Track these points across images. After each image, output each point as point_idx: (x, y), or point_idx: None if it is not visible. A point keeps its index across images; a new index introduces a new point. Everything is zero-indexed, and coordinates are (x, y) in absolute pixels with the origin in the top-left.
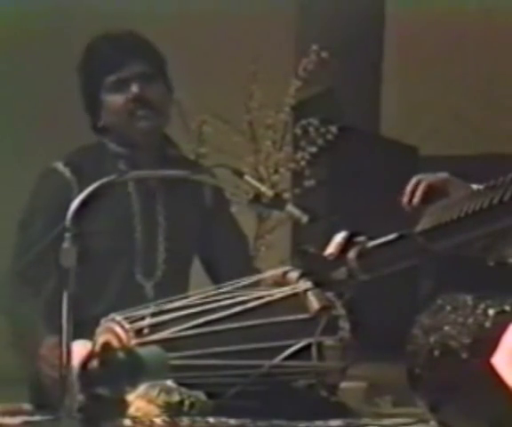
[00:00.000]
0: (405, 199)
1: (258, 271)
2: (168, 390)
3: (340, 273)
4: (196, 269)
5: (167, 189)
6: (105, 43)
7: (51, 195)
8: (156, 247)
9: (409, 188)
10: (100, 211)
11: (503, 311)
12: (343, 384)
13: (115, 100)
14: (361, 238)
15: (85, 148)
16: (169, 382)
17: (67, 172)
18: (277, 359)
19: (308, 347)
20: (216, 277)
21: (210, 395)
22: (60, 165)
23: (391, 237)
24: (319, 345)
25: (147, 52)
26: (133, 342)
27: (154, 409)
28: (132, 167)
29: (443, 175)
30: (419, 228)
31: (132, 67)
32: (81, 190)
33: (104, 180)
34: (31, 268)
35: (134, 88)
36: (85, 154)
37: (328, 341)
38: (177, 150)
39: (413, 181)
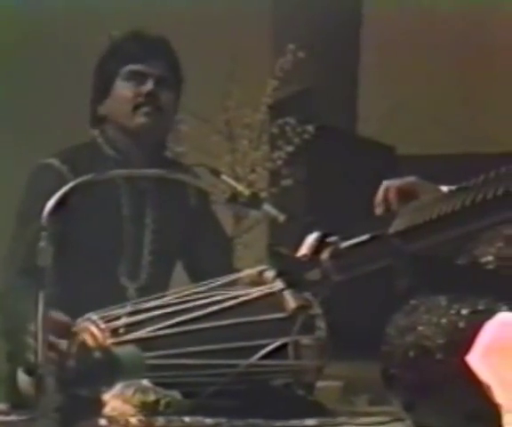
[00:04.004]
0: (379, 208)
1: (236, 271)
2: (143, 390)
3: (314, 274)
4: (178, 268)
5: (157, 191)
6: (134, 36)
7: (48, 190)
8: (142, 250)
9: (380, 196)
10: (91, 211)
11: (476, 311)
12: (319, 383)
13: (126, 88)
14: (334, 239)
15: (79, 147)
16: (144, 382)
17: (64, 169)
18: (254, 358)
19: (284, 346)
20: (198, 278)
21: (187, 394)
22: (56, 162)
23: (364, 237)
24: (296, 344)
25: (170, 59)
26: (109, 341)
27: (129, 409)
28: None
29: (410, 179)
30: (392, 229)
31: (153, 66)
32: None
33: (80, 179)
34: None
35: (150, 85)
36: (79, 153)
37: (305, 340)
38: (173, 156)
39: (382, 188)
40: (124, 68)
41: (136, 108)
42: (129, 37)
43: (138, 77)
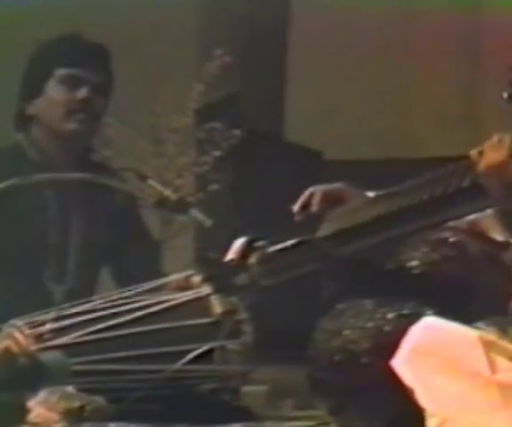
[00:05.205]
0: (298, 208)
1: (163, 276)
2: (68, 396)
3: (242, 279)
4: (105, 272)
5: (83, 194)
6: (72, 38)
7: None
8: (68, 253)
9: (302, 198)
10: (15, 214)
11: (402, 315)
12: (245, 388)
13: (60, 91)
14: (261, 243)
15: (1, 150)
16: (69, 388)
17: None
18: (180, 363)
19: (211, 351)
20: (125, 283)
21: (112, 400)
22: None
23: (292, 242)
24: (222, 349)
25: (107, 67)
26: (34, 347)
27: (54, 416)
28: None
29: (337, 185)
30: (320, 233)
31: (90, 71)
32: None
33: (6, 183)
34: None
35: (84, 91)
36: (1, 156)
37: (231, 345)
38: (100, 160)
39: (307, 192)
40: (60, 70)
41: (69, 113)
42: (67, 39)
43: (73, 82)
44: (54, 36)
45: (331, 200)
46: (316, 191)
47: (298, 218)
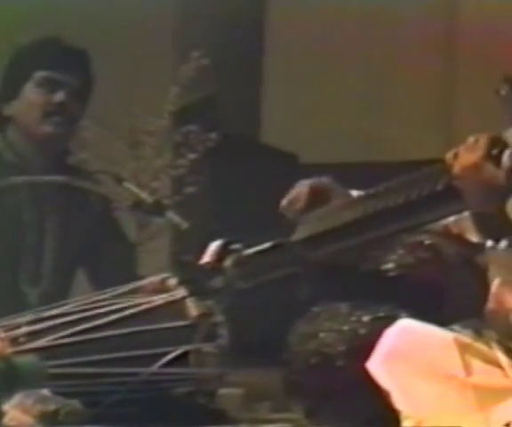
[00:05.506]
0: (291, 207)
1: (139, 278)
2: (43, 400)
3: (217, 282)
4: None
5: (59, 197)
6: (52, 42)
7: None
8: (44, 256)
9: (292, 194)
10: None
11: (377, 318)
12: (221, 391)
13: (37, 94)
14: (237, 246)
15: None
16: (44, 392)
17: None
18: (155, 366)
19: (186, 354)
20: (100, 286)
21: (88, 404)
22: None
23: (267, 245)
24: (198, 352)
25: (86, 72)
26: (9, 350)
27: (29, 419)
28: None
29: (324, 180)
30: (295, 236)
31: (69, 75)
32: None
33: None
34: None
35: (62, 95)
36: None
37: (206, 347)
38: (76, 163)
39: (296, 188)
40: (38, 72)
41: (46, 115)
42: (47, 42)
43: (50, 85)
44: (34, 38)
45: (317, 195)
46: (302, 185)
47: (287, 213)
